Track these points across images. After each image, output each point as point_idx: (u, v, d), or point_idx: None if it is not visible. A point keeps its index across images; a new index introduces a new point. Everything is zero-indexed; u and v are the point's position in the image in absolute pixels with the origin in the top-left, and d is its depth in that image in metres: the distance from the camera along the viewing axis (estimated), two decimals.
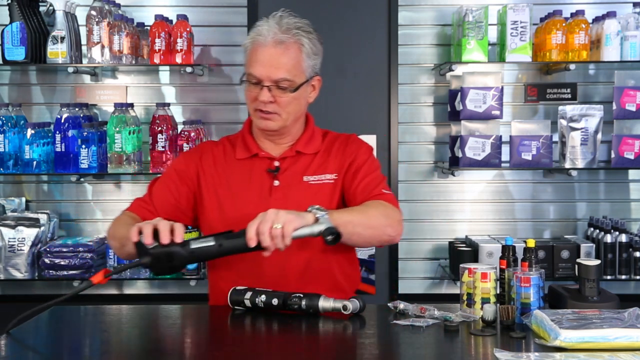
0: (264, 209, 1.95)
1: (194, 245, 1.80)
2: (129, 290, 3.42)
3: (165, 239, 1.78)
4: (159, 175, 2.24)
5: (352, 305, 1.88)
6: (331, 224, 1.84)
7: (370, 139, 3.43)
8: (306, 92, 2.13)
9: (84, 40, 3.29)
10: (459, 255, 3.22)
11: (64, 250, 3.18)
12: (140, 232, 1.81)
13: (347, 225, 1.93)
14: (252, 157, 2.16)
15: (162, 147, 3.17)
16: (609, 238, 3.22)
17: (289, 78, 2.05)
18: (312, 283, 2.06)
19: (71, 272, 3.18)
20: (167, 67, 3.38)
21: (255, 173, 2.14)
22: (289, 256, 2.02)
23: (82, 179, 3.39)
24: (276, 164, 2.14)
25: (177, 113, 3.41)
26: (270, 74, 2.03)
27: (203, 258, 1.86)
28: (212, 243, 1.81)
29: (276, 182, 2.12)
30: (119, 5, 3.30)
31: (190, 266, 3.18)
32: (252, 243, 1.81)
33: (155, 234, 1.79)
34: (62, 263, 3.17)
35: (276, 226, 1.81)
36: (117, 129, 3.14)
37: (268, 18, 2.08)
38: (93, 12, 3.17)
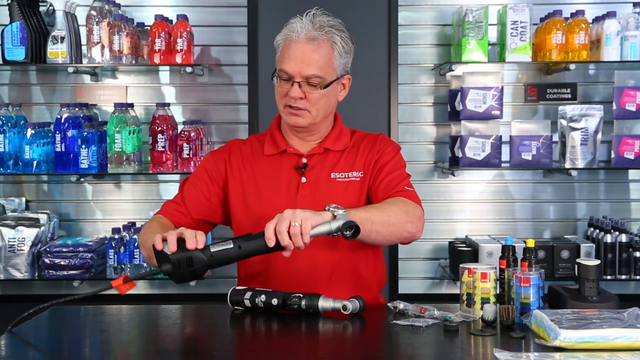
0: (291, 205, 1.99)
1: (214, 249, 1.80)
2: (129, 291, 3.40)
3: (191, 244, 1.78)
4: (188, 176, 2.25)
5: (352, 305, 1.88)
6: (349, 219, 1.83)
7: None
8: (336, 90, 2.15)
9: (84, 40, 3.29)
10: (459, 255, 3.22)
11: (64, 250, 3.18)
12: (164, 240, 1.81)
13: (365, 222, 1.91)
14: (281, 153, 2.18)
15: (162, 147, 3.17)
16: (609, 238, 3.22)
17: (320, 75, 2.06)
18: (340, 283, 2.08)
19: (71, 272, 3.18)
20: (167, 67, 3.38)
21: (283, 169, 2.15)
22: (318, 256, 2.05)
23: (82, 179, 3.40)
24: (304, 160, 2.15)
25: (177, 113, 3.41)
26: (302, 70, 2.05)
27: (223, 262, 1.84)
28: (231, 246, 1.81)
29: (304, 179, 2.13)
30: (119, 5, 3.30)
31: None
32: (271, 243, 1.80)
33: (178, 242, 1.79)
34: (62, 263, 3.17)
35: (294, 224, 1.80)
36: (117, 129, 3.14)
37: (302, 16, 2.10)
38: (93, 12, 3.17)
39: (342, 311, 1.88)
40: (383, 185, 2.11)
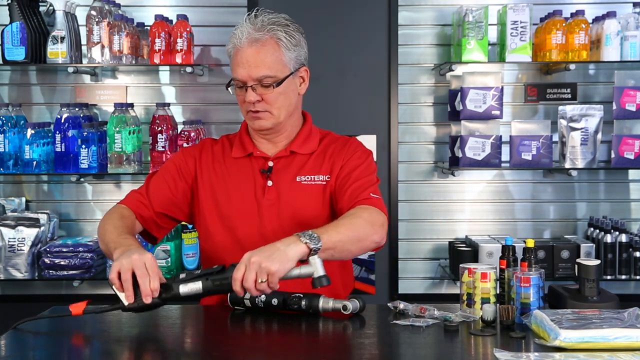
0: (257, 208, 2.04)
1: (182, 289, 1.78)
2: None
3: (147, 298, 1.75)
4: (157, 170, 2.23)
5: (352, 305, 1.88)
6: (321, 272, 1.75)
7: (370, 139, 3.44)
8: (294, 84, 2.11)
9: (84, 40, 3.29)
10: (459, 255, 3.22)
11: (64, 250, 3.18)
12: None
13: (338, 245, 1.88)
14: (248, 156, 2.16)
15: (162, 147, 3.17)
16: (609, 238, 3.22)
17: (270, 74, 2.04)
18: (304, 287, 2.05)
19: (71, 272, 3.18)
20: (167, 67, 3.38)
21: (250, 172, 2.14)
22: None
23: (82, 179, 3.39)
24: (270, 164, 2.14)
25: (177, 113, 3.41)
26: (251, 73, 2.03)
27: (188, 299, 1.85)
28: (199, 287, 1.78)
29: (269, 183, 2.12)
30: (119, 5, 3.30)
31: (190, 266, 3.18)
32: (241, 294, 1.79)
33: (135, 285, 1.77)
34: (62, 263, 3.17)
35: (261, 280, 1.75)
36: (117, 129, 3.14)
37: (245, 19, 2.07)
38: (93, 12, 3.17)
39: (342, 311, 1.88)
40: (350, 192, 2.07)
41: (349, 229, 1.93)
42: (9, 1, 3.18)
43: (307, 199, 2.09)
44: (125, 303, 1.78)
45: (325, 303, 1.90)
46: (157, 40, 3.17)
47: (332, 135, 2.24)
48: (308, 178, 2.13)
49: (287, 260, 1.78)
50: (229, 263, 1.89)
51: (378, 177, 2.18)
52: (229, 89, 2.11)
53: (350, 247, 1.93)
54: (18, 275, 3.20)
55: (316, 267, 1.74)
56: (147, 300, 1.76)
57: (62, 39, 3.16)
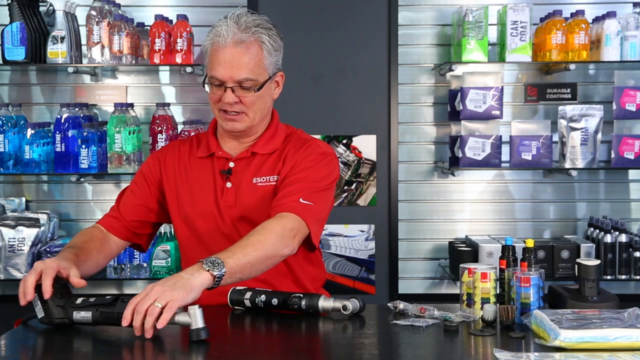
0: (217, 209, 2.06)
1: (75, 316, 1.80)
2: (129, 290, 3.42)
3: (26, 296, 1.80)
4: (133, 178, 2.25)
5: (352, 305, 1.88)
6: (199, 324, 1.66)
7: (370, 139, 3.44)
8: (270, 89, 2.10)
9: (84, 40, 3.29)
10: (459, 255, 3.22)
11: None
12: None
13: (245, 267, 1.84)
14: (210, 156, 2.15)
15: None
16: (609, 238, 3.22)
17: (252, 77, 2.02)
18: (274, 282, 2.07)
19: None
20: (167, 67, 3.38)
21: (211, 173, 2.14)
22: None
23: (82, 179, 3.40)
24: (230, 165, 2.12)
25: (177, 113, 3.41)
26: (233, 75, 2.00)
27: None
28: (89, 317, 1.79)
29: (228, 184, 2.11)
30: (119, 5, 3.30)
31: None
32: (125, 323, 1.69)
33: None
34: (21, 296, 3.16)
35: (157, 304, 1.67)
36: (117, 129, 3.14)
37: (226, 18, 2.04)
38: (93, 12, 3.17)
39: (342, 311, 1.88)
40: (278, 196, 2.03)
41: (257, 248, 1.87)
42: (9, 1, 3.18)
43: (261, 201, 2.07)
44: (39, 315, 1.83)
45: (325, 303, 1.89)
46: (157, 40, 3.17)
47: (297, 135, 2.19)
48: (264, 179, 2.10)
49: (190, 289, 1.72)
50: (194, 261, 1.86)
51: (329, 183, 2.10)
52: (206, 86, 2.08)
53: (258, 267, 1.89)
54: (18, 275, 3.20)
55: (195, 318, 1.67)
56: (27, 297, 1.80)
57: (62, 39, 3.16)
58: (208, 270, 1.76)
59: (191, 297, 1.72)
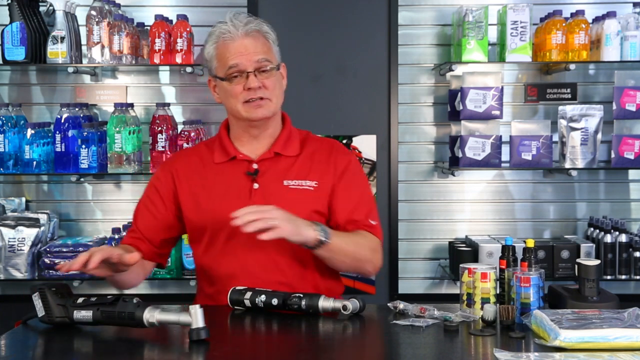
0: None
1: (76, 315, 1.81)
2: (129, 290, 3.40)
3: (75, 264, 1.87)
4: (142, 197, 2.26)
5: (352, 305, 1.88)
6: (200, 323, 1.69)
7: (370, 139, 3.44)
8: (282, 78, 2.19)
9: (84, 40, 3.29)
10: (459, 255, 3.22)
11: (64, 250, 3.18)
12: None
13: (341, 253, 2.04)
14: (230, 160, 2.16)
15: (162, 147, 3.17)
16: (609, 238, 3.22)
17: (267, 58, 2.10)
18: (296, 286, 2.08)
19: (71, 272, 3.17)
20: (167, 67, 3.38)
21: (234, 176, 2.14)
22: (279, 261, 2.07)
23: (82, 179, 3.39)
24: (254, 166, 2.14)
25: (177, 113, 3.41)
26: (251, 57, 2.08)
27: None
28: (90, 316, 1.80)
29: (255, 185, 2.12)
30: (119, 5, 3.30)
31: (190, 266, 3.18)
32: (236, 214, 1.87)
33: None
34: (62, 263, 3.16)
35: (271, 222, 1.88)
36: (117, 129, 3.14)
37: (222, 23, 2.12)
38: (93, 12, 3.17)
39: (342, 311, 1.88)
40: (349, 212, 2.14)
41: (358, 245, 2.09)
42: (9, 1, 3.18)
43: (296, 204, 2.09)
44: (39, 314, 1.84)
45: (325, 303, 1.90)
46: (157, 40, 3.17)
47: (313, 137, 2.26)
48: (296, 183, 2.13)
49: (298, 232, 1.94)
50: (220, 270, 2.01)
51: (370, 188, 2.25)
52: (216, 89, 2.14)
53: (348, 261, 2.10)
54: (18, 275, 3.20)
55: (195, 318, 1.69)
56: (71, 267, 1.87)
57: (62, 39, 3.16)
58: (316, 231, 1.96)
59: (294, 239, 1.94)
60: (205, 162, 2.18)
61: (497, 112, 3.23)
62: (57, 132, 3.16)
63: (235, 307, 1.99)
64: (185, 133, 3.19)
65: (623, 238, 3.22)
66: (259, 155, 2.16)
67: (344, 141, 3.45)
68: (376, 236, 2.16)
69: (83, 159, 3.13)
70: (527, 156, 3.24)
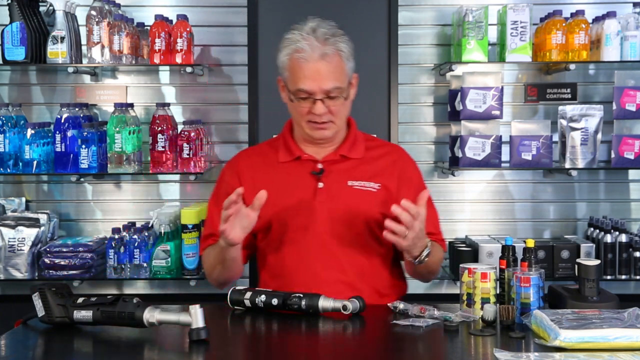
0: (308, 210, 2.10)
1: (76, 315, 1.81)
2: (129, 290, 3.41)
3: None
4: (212, 198, 2.29)
5: (352, 305, 1.88)
6: (200, 323, 1.70)
7: None
8: (350, 93, 2.17)
9: (84, 40, 3.29)
10: (459, 255, 3.22)
11: (64, 250, 3.18)
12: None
13: (426, 267, 2.12)
14: (295, 160, 2.20)
15: (162, 147, 3.17)
16: (609, 238, 3.22)
17: (338, 86, 2.09)
18: (362, 290, 2.10)
19: (71, 272, 3.18)
20: (167, 67, 3.38)
21: (299, 175, 2.18)
22: (333, 264, 2.11)
23: (82, 179, 3.39)
24: (319, 166, 2.17)
25: (177, 113, 3.40)
26: (322, 86, 2.07)
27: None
28: (90, 316, 1.80)
29: (320, 184, 2.15)
30: (119, 5, 3.30)
31: (190, 266, 3.18)
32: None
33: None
34: (62, 263, 3.17)
35: (425, 253, 2.05)
36: (117, 129, 3.14)
37: (301, 31, 2.10)
38: (93, 12, 3.17)
39: (342, 311, 1.88)
40: (428, 224, 2.15)
41: (436, 261, 2.19)
42: (9, 1, 3.18)
43: (360, 204, 2.14)
44: (39, 314, 1.85)
45: (325, 303, 1.90)
46: (157, 40, 3.17)
47: (377, 141, 2.32)
48: (360, 184, 2.17)
49: (412, 250, 2.02)
50: (282, 266, 2.08)
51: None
52: (290, 98, 2.13)
53: (425, 274, 2.24)
54: (18, 275, 3.20)
55: (195, 318, 1.70)
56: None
57: (62, 39, 3.16)
58: (423, 251, 2.04)
59: (405, 245, 1.98)
60: (269, 161, 2.22)
61: (497, 112, 3.23)
62: (57, 132, 3.16)
63: (235, 307, 1.99)
64: (185, 133, 3.19)
65: (623, 238, 3.22)
66: (323, 156, 2.20)
67: None
68: (444, 250, 2.27)
69: (83, 159, 3.13)
70: (527, 156, 3.24)
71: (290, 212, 2.12)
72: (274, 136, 2.35)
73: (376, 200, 2.15)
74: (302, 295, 1.91)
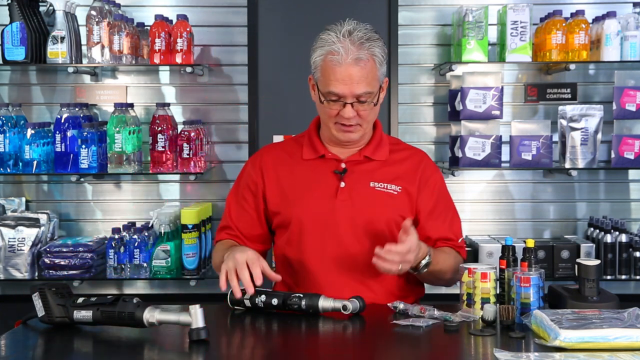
0: (329, 209, 2.10)
1: (76, 315, 1.82)
2: (128, 290, 3.42)
3: (248, 289, 1.90)
4: (232, 191, 2.30)
5: (352, 305, 1.88)
6: (200, 323, 1.70)
7: None
8: (379, 98, 2.17)
9: (84, 40, 3.29)
10: None
11: (64, 250, 3.18)
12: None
13: (431, 275, 2.10)
14: (319, 158, 2.20)
15: (162, 147, 3.17)
16: (609, 238, 3.22)
17: (369, 91, 2.08)
18: (378, 292, 2.12)
19: (71, 272, 3.18)
20: (167, 67, 3.38)
21: (322, 173, 2.18)
22: (350, 264, 2.11)
23: (82, 179, 3.39)
24: (343, 165, 2.18)
25: (177, 113, 3.40)
26: (353, 90, 2.06)
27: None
28: (90, 316, 1.80)
29: (342, 184, 2.15)
30: (119, 5, 3.30)
31: (190, 266, 3.18)
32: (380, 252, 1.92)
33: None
34: (62, 263, 3.17)
35: (423, 262, 2.02)
36: (117, 129, 3.14)
37: (337, 33, 2.08)
38: (93, 12, 3.17)
39: (342, 311, 1.88)
40: (444, 229, 2.20)
41: (448, 269, 2.14)
42: (9, 1, 3.18)
43: (381, 206, 2.14)
44: (39, 314, 1.84)
45: (325, 303, 1.90)
46: (157, 40, 3.17)
47: (401, 145, 2.31)
48: (381, 185, 2.17)
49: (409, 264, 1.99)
50: (300, 263, 2.08)
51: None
52: (320, 99, 2.12)
53: (433, 280, 2.18)
54: (18, 275, 3.20)
55: (195, 318, 1.70)
56: (250, 290, 1.88)
57: (62, 39, 3.16)
58: (421, 261, 2.02)
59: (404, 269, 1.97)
60: (294, 157, 2.22)
61: (497, 112, 3.23)
62: (57, 132, 3.16)
63: (235, 307, 1.99)
64: (185, 133, 3.19)
65: (623, 238, 3.22)
66: (347, 156, 2.20)
67: None
68: (463, 256, 2.22)
69: (83, 159, 3.13)
70: (527, 156, 3.24)
71: (310, 210, 2.12)
72: (300, 133, 2.34)
73: (396, 202, 2.15)
74: (302, 295, 1.91)
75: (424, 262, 2.03)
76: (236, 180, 2.30)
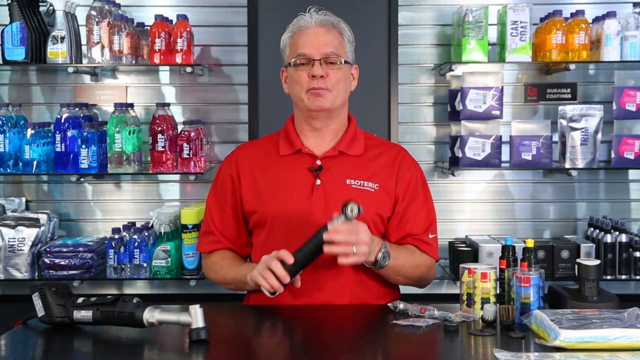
0: (305, 206, 2.10)
1: (76, 315, 1.82)
2: (128, 290, 3.42)
3: (284, 278, 1.94)
4: (210, 191, 2.30)
5: (355, 207, 1.92)
6: (200, 323, 1.71)
7: None
8: (349, 76, 2.21)
9: (84, 40, 3.29)
10: (459, 255, 3.22)
11: (64, 250, 3.18)
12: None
13: (392, 273, 2.09)
14: (295, 153, 2.20)
15: (162, 147, 3.17)
16: (609, 238, 3.22)
17: (336, 52, 2.14)
18: (356, 290, 2.12)
19: (71, 272, 3.18)
20: (167, 67, 3.38)
21: (298, 170, 2.17)
22: (328, 262, 2.08)
23: (82, 179, 3.39)
24: (318, 162, 2.17)
25: (177, 113, 3.41)
26: (320, 48, 2.13)
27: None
28: (90, 316, 1.81)
29: (318, 181, 2.15)
30: (119, 5, 3.30)
31: (190, 266, 3.18)
32: (327, 237, 1.91)
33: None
34: (62, 263, 3.17)
35: (380, 255, 2.01)
36: (117, 129, 3.14)
37: (302, 14, 2.19)
38: (93, 12, 3.17)
39: (345, 216, 1.92)
40: (410, 225, 2.18)
41: (411, 267, 2.13)
42: (9, 1, 3.18)
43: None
44: (39, 314, 1.84)
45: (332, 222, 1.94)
46: (157, 40, 3.17)
47: (378, 140, 2.31)
48: (357, 183, 2.17)
49: (368, 255, 1.98)
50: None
51: (432, 201, 2.27)
52: (286, 80, 2.18)
53: (398, 278, 2.14)
54: (18, 275, 3.20)
55: (195, 318, 1.71)
56: (284, 280, 1.92)
57: (62, 39, 3.16)
58: (377, 255, 2.01)
59: (362, 260, 1.97)
60: (269, 155, 2.23)
61: (497, 112, 3.23)
62: (57, 132, 3.16)
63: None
64: (185, 133, 3.19)
65: (623, 238, 3.22)
66: (323, 152, 2.19)
67: None
68: (432, 255, 2.20)
69: (83, 159, 3.13)
70: (527, 156, 3.24)
71: (286, 208, 2.11)
72: (276, 131, 2.34)
73: (374, 200, 2.14)
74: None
75: (380, 254, 2.01)
76: (214, 181, 2.30)
